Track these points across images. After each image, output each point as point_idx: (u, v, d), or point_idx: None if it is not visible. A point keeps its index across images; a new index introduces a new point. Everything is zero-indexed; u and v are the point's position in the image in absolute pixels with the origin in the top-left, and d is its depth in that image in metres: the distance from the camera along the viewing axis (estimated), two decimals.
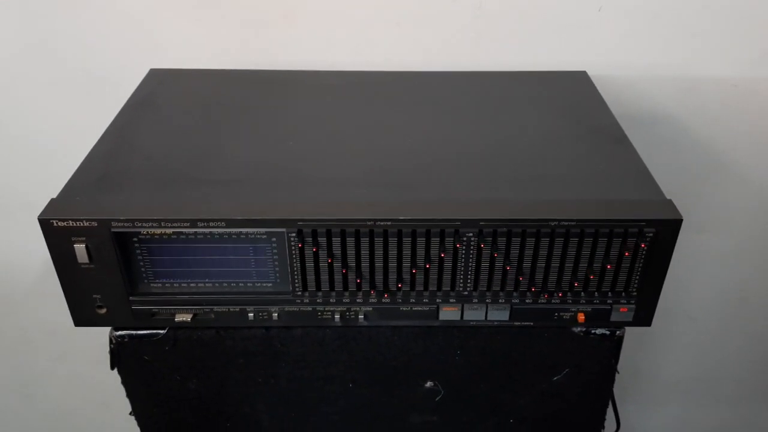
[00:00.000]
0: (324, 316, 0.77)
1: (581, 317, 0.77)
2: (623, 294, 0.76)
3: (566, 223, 0.70)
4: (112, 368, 0.83)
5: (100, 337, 0.83)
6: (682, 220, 0.71)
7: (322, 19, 1.04)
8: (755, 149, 1.17)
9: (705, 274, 1.32)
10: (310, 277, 0.74)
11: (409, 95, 0.96)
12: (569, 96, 0.96)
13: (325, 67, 1.04)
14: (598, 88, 0.99)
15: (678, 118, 1.13)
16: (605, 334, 0.80)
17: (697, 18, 1.03)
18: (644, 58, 1.07)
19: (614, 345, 0.81)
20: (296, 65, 1.06)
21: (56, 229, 0.69)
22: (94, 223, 0.69)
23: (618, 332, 0.80)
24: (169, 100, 0.94)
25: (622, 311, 0.77)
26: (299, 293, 0.76)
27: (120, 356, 0.81)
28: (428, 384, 0.85)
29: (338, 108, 0.93)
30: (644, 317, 0.78)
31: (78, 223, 0.69)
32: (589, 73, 1.03)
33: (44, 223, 0.69)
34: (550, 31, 1.05)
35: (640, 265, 0.73)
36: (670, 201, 0.73)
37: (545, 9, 1.03)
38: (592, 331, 0.80)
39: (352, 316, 0.77)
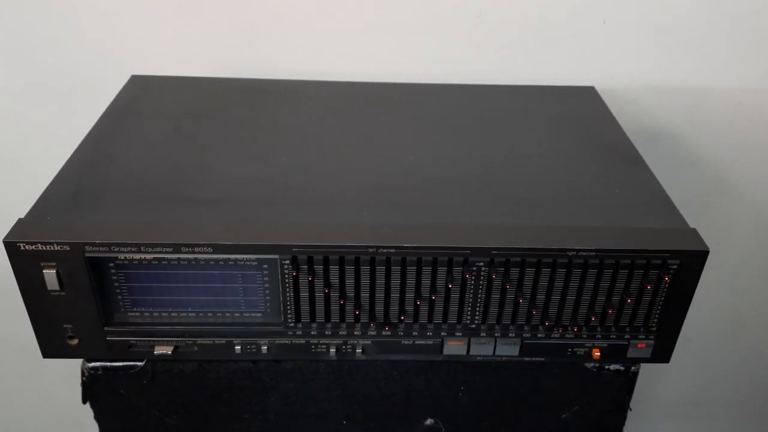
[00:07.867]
0: (318, 350, 0.71)
1: (596, 353, 0.72)
2: (642, 329, 0.71)
3: (585, 254, 0.65)
4: (84, 402, 0.76)
5: None
6: (708, 251, 0.66)
7: (315, 26, 1.00)
8: (759, 166, 1.14)
9: (702, 292, 1.27)
10: (305, 308, 0.68)
11: (408, 108, 0.91)
12: (579, 113, 0.92)
13: (317, 77, 0.99)
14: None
15: (681, 134, 1.10)
16: (619, 369, 0.76)
17: (702, 33, 1.01)
18: (648, 73, 1.05)
19: (628, 381, 0.77)
20: (287, 74, 1.01)
21: (24, 253, 0.63)
22: (66, 247, 0.63)
23: (633, 368, 0.76)
24: (151, 109, 0.88)
25: (640, 347, 0.72)
26: (291, 325, 0.69)
27: (93, 390, 0.75)
28: (429, 421, 0.80)
29: (335, 121, 0.87)
30: (663, 353, 0.73)
31: (48, 246, 0.63)
32: (591, 86, 1.00)
33: (10, 246, 0.63)
34: (553, 43, 1.02)
35: (662, 298, 0.68)
36: (694, 230, 0.68)
37: (547, 19, 1.00)
38: (606, 367, 0.75)
39: (349, 350, 0.71)
